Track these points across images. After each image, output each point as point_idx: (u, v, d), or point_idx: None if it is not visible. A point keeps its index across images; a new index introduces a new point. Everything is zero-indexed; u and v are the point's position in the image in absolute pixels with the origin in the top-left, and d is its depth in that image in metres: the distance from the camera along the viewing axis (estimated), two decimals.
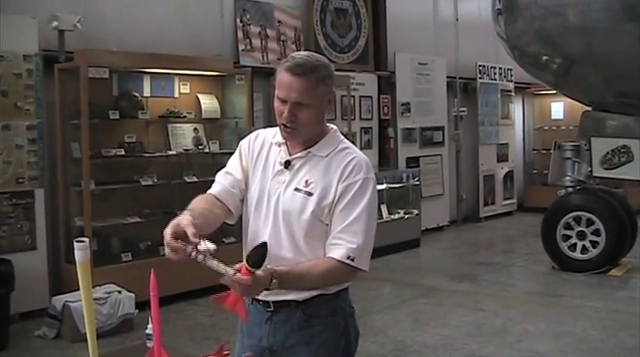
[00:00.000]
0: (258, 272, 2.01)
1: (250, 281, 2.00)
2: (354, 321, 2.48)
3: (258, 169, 2.43)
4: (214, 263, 2.02)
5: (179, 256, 2.04)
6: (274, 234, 2.33)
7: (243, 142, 2.51)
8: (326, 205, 2.29)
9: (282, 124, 2.30)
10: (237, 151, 2.51)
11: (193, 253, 2.02)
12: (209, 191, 2.45)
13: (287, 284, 2.16)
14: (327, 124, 2.44)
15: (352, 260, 2.25)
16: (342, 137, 2.46)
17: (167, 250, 2.05)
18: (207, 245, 2.04)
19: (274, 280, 2.09)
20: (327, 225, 2.31)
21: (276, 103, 2.31)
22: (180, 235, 2.05)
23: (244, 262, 2.02)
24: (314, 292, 2.33)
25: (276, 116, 2.35)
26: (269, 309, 2.38)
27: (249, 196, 2.44)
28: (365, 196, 2.30)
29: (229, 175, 2.46)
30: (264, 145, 2.46)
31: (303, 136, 2.34)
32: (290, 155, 2.38)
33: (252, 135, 2.53)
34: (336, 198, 2.29)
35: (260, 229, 2.37)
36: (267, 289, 2.11)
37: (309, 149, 2.37)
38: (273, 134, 2.45)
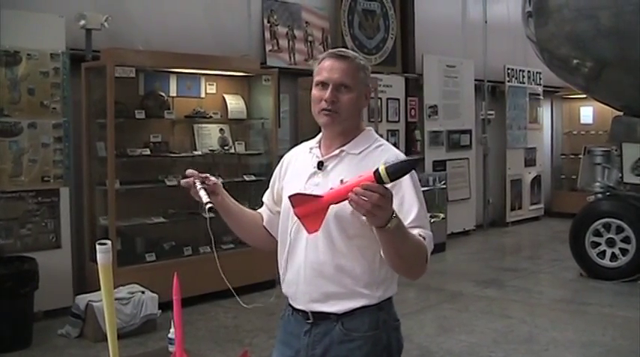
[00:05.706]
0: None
1: (383, 190, 1.83)
2: (399, 334, 2.39)
3: (293, 179, 2.41)
4: (202, 193, 2.25)
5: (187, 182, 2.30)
6: (312, 238, 2.25)
7: (277, 168, 2.55)
8: None
9: (323, 109, 2.28)
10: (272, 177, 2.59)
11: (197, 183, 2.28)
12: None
13: (400, 232, 1.99)
14: (363, 125, 2.44)
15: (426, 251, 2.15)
16: (377, 136, 2.43)
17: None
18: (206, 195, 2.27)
19: (395, 217, 1.93)
20: None
21: (315, 91, 2.31)
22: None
23: (379, 166, 1.85)
24: (355, 305, 2.26)
25: (313, 106, 2.32)
26: (308, 321, 2.32)
27: (283, 206, 2.38)
28: (410, 185, 2.21)
29: (266, 205, 2.58)
30: (297, 155, 2.48)
31: (343, 123, 2.31)
32: (323, 156, 2.35)
33: (287, 154, 2.56)
34: None
35: (295, 236, 2.31)
36: (383, 226, 1.92)
37: (343, 148, 2.33)
38: (308, 143, 2.46)
